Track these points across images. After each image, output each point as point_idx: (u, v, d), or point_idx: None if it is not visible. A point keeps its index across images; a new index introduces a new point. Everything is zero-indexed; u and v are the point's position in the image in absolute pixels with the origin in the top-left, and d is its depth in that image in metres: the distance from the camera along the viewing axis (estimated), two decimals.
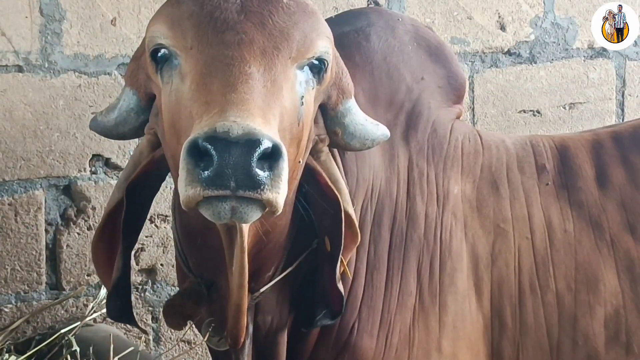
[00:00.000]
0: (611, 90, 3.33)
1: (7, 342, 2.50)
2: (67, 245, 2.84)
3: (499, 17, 3.16)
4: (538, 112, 3.19)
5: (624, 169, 2.27)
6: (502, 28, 3.17)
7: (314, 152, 1.86)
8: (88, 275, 2.82)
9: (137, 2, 2.86)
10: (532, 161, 2.28)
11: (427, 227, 2.12)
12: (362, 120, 1.91)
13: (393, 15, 2.46)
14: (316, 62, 1.79)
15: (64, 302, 2.77)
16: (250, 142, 1.46)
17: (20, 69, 2.69)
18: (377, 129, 1.92)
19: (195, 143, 1.44)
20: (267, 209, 1.51)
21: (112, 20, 2.76)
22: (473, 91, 2.99)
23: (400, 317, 2.06)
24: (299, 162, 1.79)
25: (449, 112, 2.25)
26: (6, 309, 2.73)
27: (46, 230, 2.81)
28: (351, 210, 1.90)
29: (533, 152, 2.29)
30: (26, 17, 2.69)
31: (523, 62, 3.20)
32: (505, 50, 3.19)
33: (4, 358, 2.30)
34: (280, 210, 1.56)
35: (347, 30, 2.23)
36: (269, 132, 1.54)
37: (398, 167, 2.15)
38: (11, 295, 2.76)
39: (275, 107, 1.69)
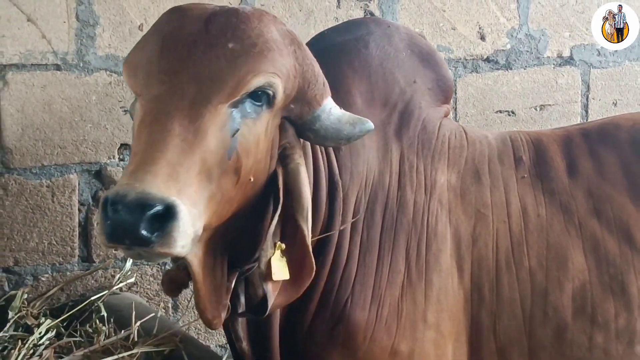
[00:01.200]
0: (577, 94, 3.38)
1: (44, 308, 2.57)
2: (97, 223, 2.85)
3: (480, 28, 3.21)
4: (512, 112, 3.26)
5: (591, 161, 2.33)
6: (482, 38, 3.22)
7: (283, 160, 1.91)
8: (115, 249, 2.65)
9: (162, 10, 2.57)
10: (510, 154, 2.34)
11: (415, 213, 2.18)
12: (334, 124, 1.94)
13: (390, 25, 2.51)
14: (258, 94, 1.83)
15: (94, 273, 2.83)
16: (141, 207, 1.55)
17: (58, 68, 2.76)
18: (354, 128, 1.95)
19: (105, 200, 1.55)
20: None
21: (139, 26, 2.83)
22: (456, 93, 3.03)
23: (389, 292, 2.12)
24: (250, 179, 1.85)
25: (437, 111, 2.32)
26: (43, 278, 2.79)
27: (79, 210, 2.86)
28: (304, 225, 1.90)
29: (512, 146, 2.35)
30: (64, 22, 2.76)
31: (500, 68, 3.26)
32: (485, 57, 3.24)
33: (41, 321, 2.36)
34: (183, 254, 1.67)
35: (349, 38, 2.31)
36: (167, 193, 1.61)
37: (391, 160, 2.22)
38: (47, 266, 2.81)
39: (194, 156, 1.74)
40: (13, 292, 2.59)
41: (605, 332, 2.23)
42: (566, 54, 3.37)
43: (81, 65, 2.80)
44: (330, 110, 1.93)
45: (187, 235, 1.62)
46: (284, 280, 1.92)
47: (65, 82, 2.78)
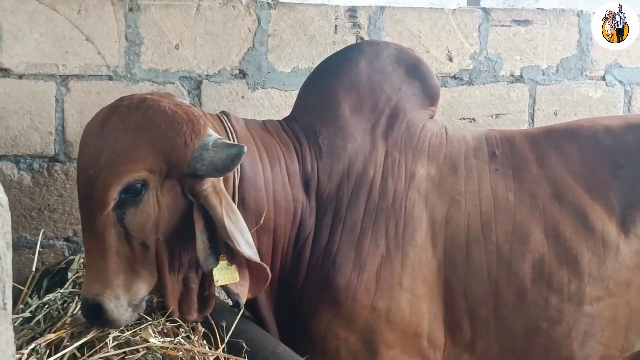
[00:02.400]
0: (525, 105, 3.48)
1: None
2: None
3: (448, 52, 3.34)
4: (473, 119, 3.38)
5: (557, 155, 2.45)
6: (450, 59, 3.35)
7: (194, 197, 2.01)
8: None
9: (194, 33, 3.06)
10: (485, 150, 2.45)
11: (395, 199, 2.32)
12: (213, 162, 1.98)
13: (380, 43, 2.65)
14: (123, 198, 1.99)
15: None
16: (85, 306, 2.01)
17: (110, 78, 2.96)
18: (225, 160, 1.98)
19: None
20: None
21: (176, 46, 3.01)
22: None
23: (370, 262, 2.27)
24: (159, 238, 2.03)
25: (422, 114, 2.45)
26: None
27: None
28: (229, 242, 1.98)
29: (486, 143, 2.46)
30: (115, 41, 2.95)
31: (464, 84, 3.38)
32: (452, 75, 3.37)
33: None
34: (130, 322, 2.01)
35: (344, 60, 2.47)
36: (92, 293, 1.99)
37: (376, 157, 2.35)
38: None
39: (108, 258, 2.01)
40: (72, 257, 2.69)
41: (559, 295, 2.33)
42: (517, 73, 3.46)
43: (128, 76, 2.98)
44: (203, 152, 1.98)
45: (121, 314, 1.98)
46: (250, 279, 2.07)
47: (116, 90, 2.90)
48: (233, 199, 2.15)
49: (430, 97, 2.47)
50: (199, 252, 2.00)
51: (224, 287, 2.02)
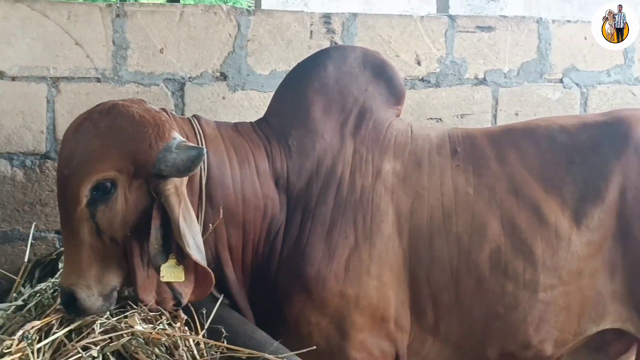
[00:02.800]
0: (488, 106, 3.53)
1: None
2: None
3: (417, 56, 3.39)
4: (440, 119, 3.43)
5: (515, 152, 2.47)
6: (419, 63, 3.40)
7: (157, 194, 2.03)
8: None
9: (178, 38, 3.10)
10: (447, 147, 2.46)
11: (362, 193, 2.34)
12: (175, 164, 2.01)
13: (347, 48, 2.75)
14: (94, 195, 2.03)
15: None
16: (62, 294, 2.04)
17: (98, 80, 3.00)
18: (196, 156, 2.01)
19: None
20: None
21: (160, 50, 3.06)
22: None
23: (339, 252, 2.29)
24: (127, 234, 2.05)
25: (388, 113, 2.47)
26: None
27: None
28: (180, 242, 2.00)
29: (449, 141, 2.48)
30: (103, 45, 3.00)
31: (431, 86, 3.43)
32: (420, 78, 3.41)
33: None
34: (96, 312, 2.00)
35: (313, 65, 2.49)
36: (68, 284, 2.02)
37: (344, 154, 2.37)
38: None
39: (81, 250, 2.04)
40: (62, 248, 2.50)
41: (514, 283, 2.36)
42: (481, 76, 3.51)
43: (116, 78, 3.02)
44: (166, 154, 2.02)
45: (92, 303, 2.01)
46: (195, 280, 2.09)
47: (104, 91, 2.97)
48: (200, 196, 2.20)
49: (395, 97, 2.50)
50: (150, 247, 2.02)
51: (169, 285, 2.07)
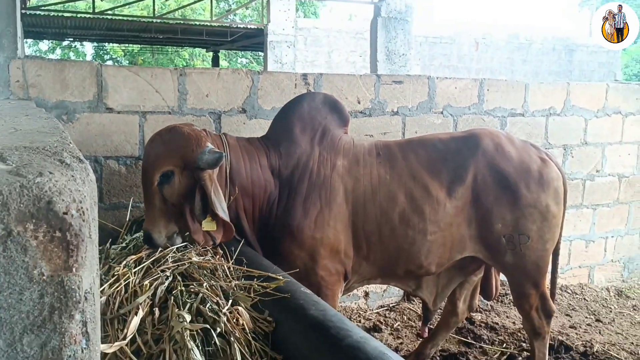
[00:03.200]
0: (400, 128, 3.55)
1: None
2: None
3: (358, 98, 3.45)
4: (372, 135, 3.45)
5: (413, 154, 2.45)
6: (359, 102, 3.46)
7: (198, 181, 2.02)
8: None
9: (216, 88, 3.11)
10: (374, 151, 2.45)
11: (324, 180, 2.33)
12: (207, 162, 2.00)
13: (315, 94, 2.69)
14: (162, 180, 2.05)
15: None
16: (144, 233, 2.05)
17: (169, 113, 3.05)
18: (219, 157, 2.00)
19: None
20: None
21: (206, 95, 3.10)
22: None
23: (311, 213, 2.28)
24: (181, 202, 2.05)
25: (339, 131, 2.46)
26: None
27: None
28: (214, 209, 1.98)
29: (375, 147, 2.47)
30: (172, 92, 3.05)
31: (366, 116, 3.48)
32: (360, 111, 3.46)
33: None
34: (163, 245, 1.98)
35: (295, 103, 2.46)
36: (147, 228, 2.01)
37: (314, 156, 2.35)
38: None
39: (155, 210, 2.05)
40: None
41: (413, 230, 2.39)
42: (395, 110, 3.55)
43: (179, 112, 3.06)
44: (202, 156, 2.01)
45: (160, 241, 2.02)
46: (223, 230, 2.04)
47: (172, 120, 3.00)
48: (225, 180, 2.18)
49: (344, 122, 2.49)
50: (195, 210, 2.04)
51: (207, 232, 2.05)
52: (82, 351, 0.62)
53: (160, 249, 1.99)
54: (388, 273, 2.54)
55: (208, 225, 2.05)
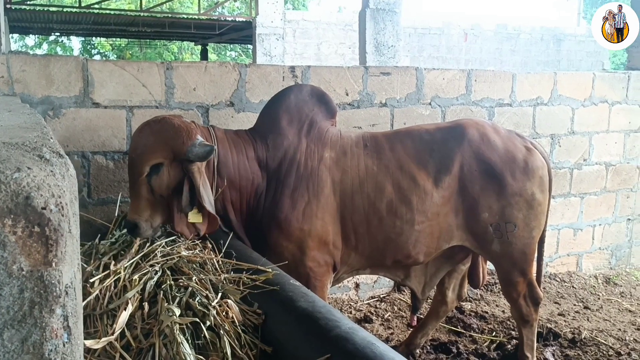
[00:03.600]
0: (388, 119, 3.56)
1: None
2: None
3: (346, 90, 3.44)
4: (360, 127, 3.45)
5: (400, 145, 2.46)
6: (347, 94, 3.45)
7: (186, 172, 2.05)
8: None
9: (204, 81, 3.09)
10: (361, 143, 2.46)
11: (312, 170, 2.34)
12: (197, 155, 2.03)
13: (302, 85, 2.70)
14: (151, 172, 2.05)
15: None
16: (128, 223, 2.04)
17: (157, 107, 3.00)
18: (209, 150, 2.03)
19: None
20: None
21: (194, 88, 3.07)
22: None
23: (299, 204, 2.29)
24: (169, 193, 2.07)
25: (327, 123, 2.47)
26: None
27: None
28: (200, 200, 2.02)
29: (362, 139, 2.47)
30: (159, 86, 3.01)
31: (354, 108, 3.47)
32: (348, 103, 3.46)
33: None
34: (147, 236, 2.01)
35: (282, 95, 2.47)
36: (133, 218, 2.02)
37: (301, 148, 2.35)
38: None
39: (141, 200, 2.05)
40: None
41: (400, 220, 2.40)
42: (383, 102, 3.54)
43: (167, 106, 3.04)
44: (192, 149, 2.03)
45: (146, 230, 2.04)
46: (208, 222, 2.08)
47: (160, 114, 2.58)
48: (213, 172, 2.19)
49: (331, 114, 2.50)
50: (183, 201, 2.05)
51: (193, 224, 2.08)
52: (64, 345, 0.62)
53: (148, 244, 1.99)
54: (376, 263, 2.54)
55: (194, 217, 2.06)
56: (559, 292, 4.03)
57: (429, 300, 3.27)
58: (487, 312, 3.52)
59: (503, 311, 3.56)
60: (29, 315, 0.60)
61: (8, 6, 8.60)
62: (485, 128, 2.55)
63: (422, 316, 3.22)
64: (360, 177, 2.41)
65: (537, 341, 2.82)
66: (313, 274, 2.34)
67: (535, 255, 2.65)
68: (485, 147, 2.48)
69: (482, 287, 3.66)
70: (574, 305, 3.81)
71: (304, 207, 2.31)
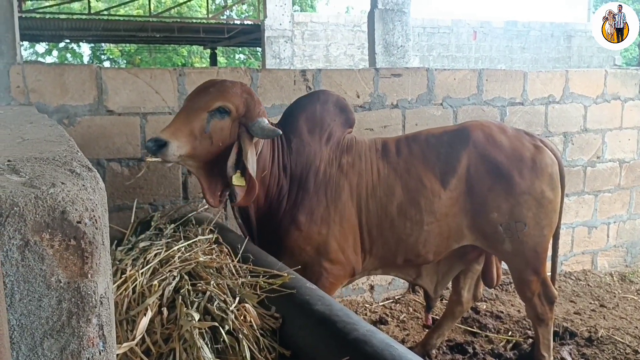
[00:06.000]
0: (400, 121, 3.58)
1: (168, 220, 2.38)
2: (190, 182, 3.12)
3: (357, 92, 3.46)
4: (372, 129, 3.48)
5: (407, 149, 2.51)
6: (358, 97, 3.47)
7: (239, 139, 2.15)
8: (200, 194, 2.98)
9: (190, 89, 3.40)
10: (374, 148, 2.51)
11: (330, 177, 2.40)
12: (262, 128, 2.15)
13: (327, 92, 2.58)
14: (218, 111, 2.13)
15: (189, 204, 3.03)
16: (155, 140, 2.03)
17: (170, 113, 3.01)
18: (272, 132, 2.16)
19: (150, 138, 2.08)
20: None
21: None
22: None
23: (317, 209, 2.35)
24: (220, 144, 2.13)
25: (345, 132, 2.51)
26: (167, 207, 3.01)
27: (182, 174, 3.11)
28: (246, 165, 2.11)
29: (374, 144, 2.54)
30: (172, 93, 3.06)
31: (366, 110, 3.49)
32: (359, 105, 3.47)
33: (168, 226, 2.31)
34: (171, 161, 2.06)
35: (308, 101, 2.50)
36: (165, 137, 2.03)
37: (321, 156, 2.40)
38: (169, 202, 3.07)
39: (186, 127, 2.09)
40: (153, 214, 2.56)
41: (410, 222, 2.45)
42: (395, 103, 3.56)
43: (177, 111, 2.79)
44: (260, 122, 2.16)
45: (171, 154, 2.06)
46: (246, 189, 2.16)
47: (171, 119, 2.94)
48: (272, 157, 2.32)
49: (349, 124, 2.55)
50: (229, 162, 2.11)
51: (234, 187, 2.15)
52: (100, 353, 0.65)
53: (164, 250, 1.98)
54: (388, 263, 2.58)
55: (238, 180, 2.13)
56: (574, 290, 4.02)
57: (444, 301, 3.31)
58: (502, 312, 3.52)
59: (519, 310, 3.56)
60: (67, 325, 0.63)
61: (19, 15, 8.75)
62: (491, 129, 2.58)
63: (437, 317, 3.24)
64: (374, 181, 2.46)
65: (554, 340, 2.83)
66: (326, 274, 2.38)
67: (548, 253, 2.66)
68: (491, 147, 2.51)
69: (496, 287, 3.64)
70: (590, 303, 3.79)
71: (322, 212, 2.36)
